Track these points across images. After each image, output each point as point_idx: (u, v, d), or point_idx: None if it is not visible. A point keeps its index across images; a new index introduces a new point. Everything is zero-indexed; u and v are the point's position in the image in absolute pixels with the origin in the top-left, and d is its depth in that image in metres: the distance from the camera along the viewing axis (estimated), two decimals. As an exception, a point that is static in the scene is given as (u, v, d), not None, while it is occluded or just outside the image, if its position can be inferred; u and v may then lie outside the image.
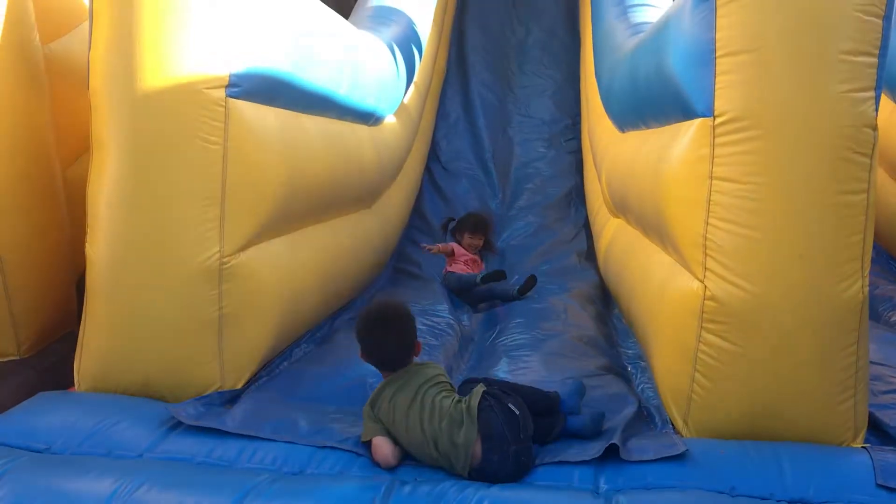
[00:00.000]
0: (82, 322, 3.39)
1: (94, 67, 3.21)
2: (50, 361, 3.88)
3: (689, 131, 3.10)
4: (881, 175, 6.43)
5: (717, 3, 2.92)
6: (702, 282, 3.03)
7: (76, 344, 3.80)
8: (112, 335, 3.29)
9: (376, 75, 5.19)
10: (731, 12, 2.89)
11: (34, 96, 3.75)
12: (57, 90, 3.95)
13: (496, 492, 2.58)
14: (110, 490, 2.52)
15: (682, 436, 3.08)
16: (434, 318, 4.62)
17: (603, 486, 2.71)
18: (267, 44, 3.46)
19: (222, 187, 3.25)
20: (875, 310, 4.94)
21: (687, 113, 3.14)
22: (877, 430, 3.14)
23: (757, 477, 2.74)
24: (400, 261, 6.15)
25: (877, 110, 2.86)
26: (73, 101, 4.02)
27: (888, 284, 5.43)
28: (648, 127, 4.09)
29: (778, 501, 2.65)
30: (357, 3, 6.87)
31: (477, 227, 5.77)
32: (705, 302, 3.00)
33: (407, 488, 2.55)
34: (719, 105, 2.91)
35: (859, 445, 3.01)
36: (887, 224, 6.21)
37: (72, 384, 3.59)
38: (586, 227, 6.66)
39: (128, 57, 3.13)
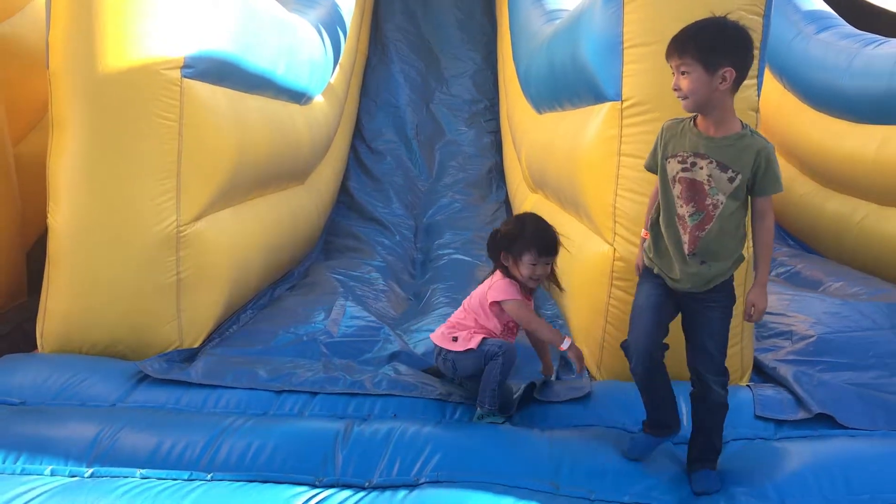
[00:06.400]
0: (44, 288, 3.61)
1: (54, 49, 3.43)
2: (6, 329, 4.06)
3: (600, 113, 3.52)
4: (772, 153, 7.06)
5: (624, 0, 3.34)
6: (612, 245, 3.47)
7: (28, 312, 4.01)
8: (75, 300, 3.53)
9: (308, 57, 5.47)
10: (636, 9, 3.31)
11: (-12, 77, 3.92)
12: (6, 69, 4.10)
13: (440, 431, 2.92)
14: (94, 433, 2.80)
15: (595, 379, 3.52)
16: (369, 285, 4.98)
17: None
18: (216, 28, 3.72)
19: (178, 161, 3.53)
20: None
21: (598, 97, 3.56)
22: (760, 371, 3.64)
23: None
24: (332, 234, 6.44)
25: (758, 96, 3.34)
26: (21, 80, 4.19)
27: (778, 249, 6.03)
28: (564, 109, 4.50)
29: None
30: (282, -16, 7.07)
31: (549, 246, 3.28)
32: (615, 262, 3.45)
33: (364, 425, 2.90)
34: (626, 90, 3.34)
35: (745, 384, 3.50)
36: (778, 197, 6.82)
37: (28, 350, 3.80)
38: (507, 204, 7.07)
39: (88, 40, 3.36)
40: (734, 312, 3.40)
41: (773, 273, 5.40)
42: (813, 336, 3.79)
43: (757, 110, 3.32)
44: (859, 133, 5.57)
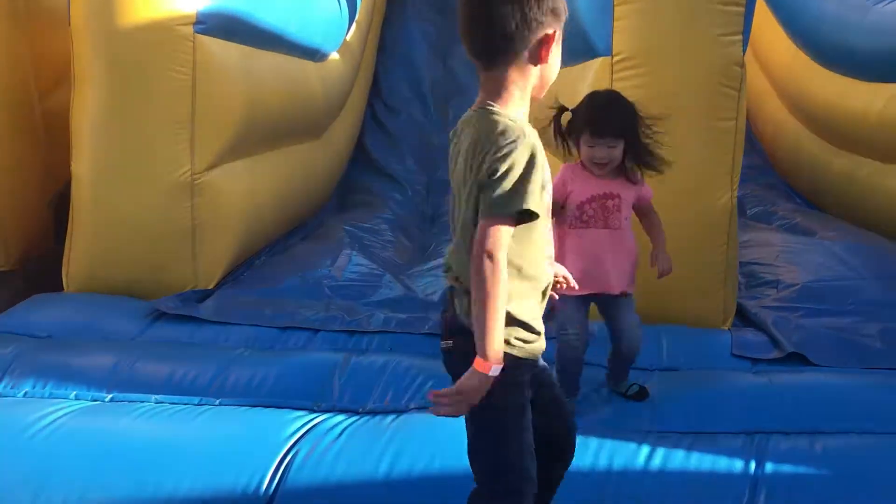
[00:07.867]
0: (68, 231, 3.86)
1: (75, 7, 3.64)
2: (35, 272, 4.31)
3: (593, 68, 3.66)
4: (783, 112, 7.12)
5: (616, -41, 3.46)
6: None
7: (54, 257, 4.26)
8: (97, 243, 3.79)
9: (322, 14, 5.61)
10: (627, -33, 3.44)
11: (16, 34, 4.11)
12: (33, 26, 4.30)
13: (433, 362, 3.12)
14: (112, 362, 3.05)
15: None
16: (378, 236, 5.19)
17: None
18: (228, -15, 3.90)
19: (192, 113, 3.75)
20: (767, 219, 5.68)
21: (592, 53, 3.70)
22: (744, 317, 3.80)
23: (643, 352, 3.33)
24: (347, 189, 6.64)
25: (744, 52, 3.46)
26: (49, 36, 4.40)
27: (783, 203, 6.15)
28: (566, 66, 4.62)
29: (653, 370, 3.26)
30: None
31: (601, 122, 2.87)
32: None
33: (361, 357, 3.13)
34: (616, 46, 3.48)
35: (727, 328, 3.67)
36: (787, 155, 6.92)
37: (54, 291, 4.06)
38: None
39: (106, -2, 3.56)
40: (717, 260, 3.56)
41: (773, 224, 5.54)
42: (797, 284, 3.95)
43: (742, 65, 3.44)
44: (866, 91, 5.63)
